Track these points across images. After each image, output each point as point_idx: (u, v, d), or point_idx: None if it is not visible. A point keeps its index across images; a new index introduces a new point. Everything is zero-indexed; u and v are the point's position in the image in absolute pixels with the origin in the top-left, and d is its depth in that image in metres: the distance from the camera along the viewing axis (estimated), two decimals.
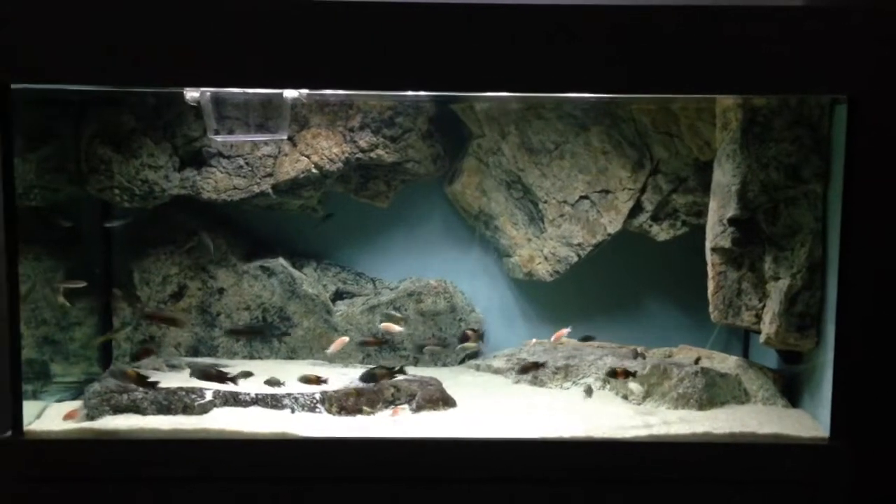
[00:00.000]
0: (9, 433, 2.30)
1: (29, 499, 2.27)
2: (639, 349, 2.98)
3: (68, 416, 2.37)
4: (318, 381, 2.54)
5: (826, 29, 2.18)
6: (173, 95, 2.64)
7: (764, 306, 2.62)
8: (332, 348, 2.86)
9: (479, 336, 3.04)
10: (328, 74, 2.20)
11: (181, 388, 2.47)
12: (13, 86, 2.22)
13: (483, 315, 3.11)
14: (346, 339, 2.88)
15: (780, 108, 2.49)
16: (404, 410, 2.54)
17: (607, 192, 2.96)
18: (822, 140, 2.48)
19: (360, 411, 2.50)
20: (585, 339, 3.00)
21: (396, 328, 2.93)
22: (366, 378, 2.60)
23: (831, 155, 2.46)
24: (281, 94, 2.51)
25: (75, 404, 2.48)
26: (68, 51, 2.15)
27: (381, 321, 2.97)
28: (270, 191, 2.86)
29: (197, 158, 2.85)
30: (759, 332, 2.65)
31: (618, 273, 3.09)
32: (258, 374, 2.70)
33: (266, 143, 2.81)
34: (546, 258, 3.00)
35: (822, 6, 2.21)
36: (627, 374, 2.74)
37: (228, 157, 2.84)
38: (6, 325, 2.28)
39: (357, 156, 2.88)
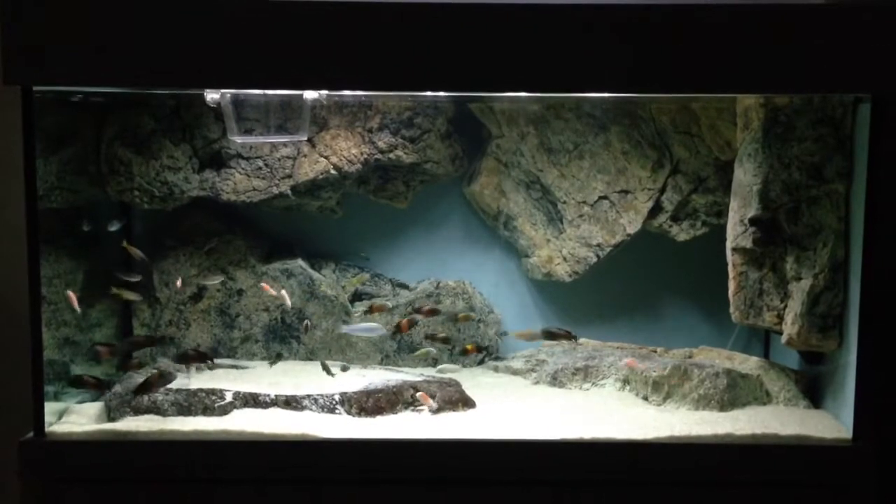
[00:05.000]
0: (31, 434, 2.31)
1: (51, 500, 2.28)
2: (657, 350, 2.98)
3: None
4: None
5: (849, 27, 2.16)
6: (193, 97, 2.65)
7: (786, 307, 2.60)
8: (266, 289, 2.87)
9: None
10: (349, 75, 2.20)
11: (201, 390, 2.48)
12: (35, 88, 2.23)
13: (502, 315, 3.10)
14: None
15: (803, 108, 2.47)
16: (424, 412, 2.54)
17: (626, 192, 2.95)
18: (846, 139, 2.46)
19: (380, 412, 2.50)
20: (549, 334, 2.81)
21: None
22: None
23: (854, 154, 2.44)
24: (301, 95, 2.51)
25: (96, 405, 2.49)
26: (89, 53, 2.16)
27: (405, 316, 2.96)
28: (289, 192, 2.86)
29: (216, 160, 2.85)
30: (779, 333, 2.63)
31: (637, 274, 3.08)
32: (276, 376, 2.75)
33: (286, 144, 2.82)
34: (565, 259, 2.99)
35: (846, 4, 2.19)
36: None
37: (247, 159, 2.85)
38: (29, 327, 2.29)
39: (376, 157, 2.87)
